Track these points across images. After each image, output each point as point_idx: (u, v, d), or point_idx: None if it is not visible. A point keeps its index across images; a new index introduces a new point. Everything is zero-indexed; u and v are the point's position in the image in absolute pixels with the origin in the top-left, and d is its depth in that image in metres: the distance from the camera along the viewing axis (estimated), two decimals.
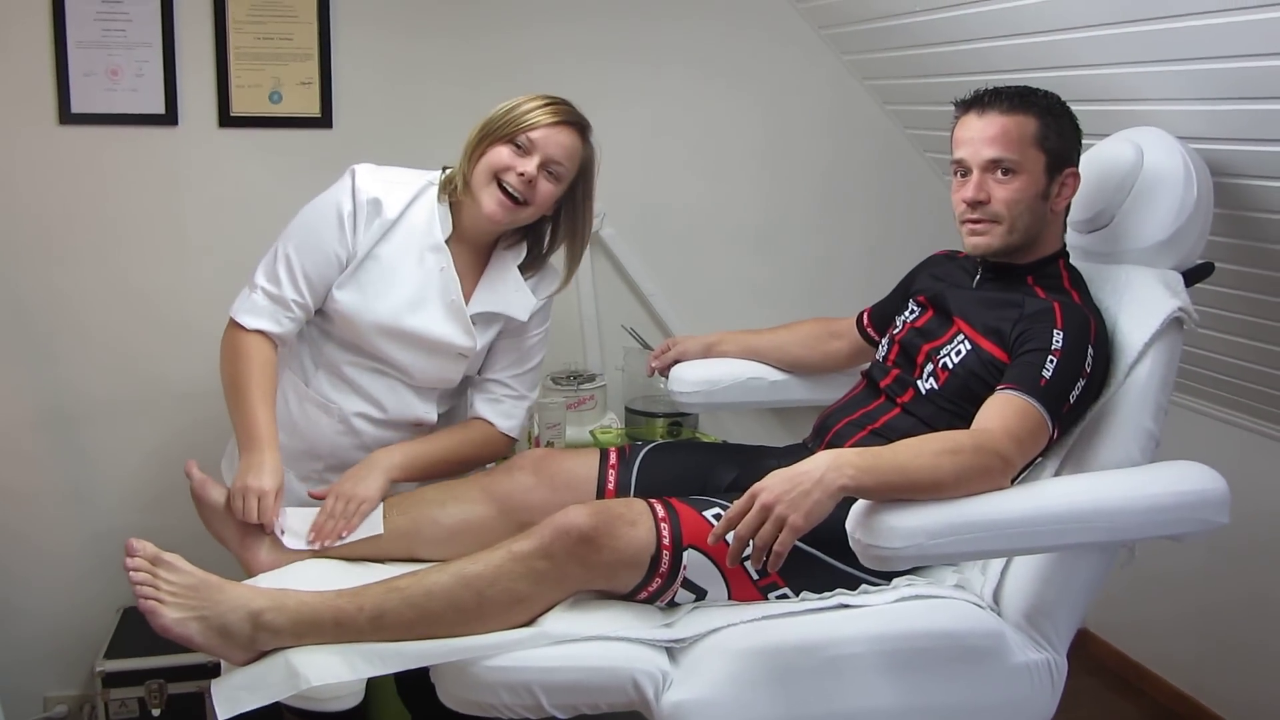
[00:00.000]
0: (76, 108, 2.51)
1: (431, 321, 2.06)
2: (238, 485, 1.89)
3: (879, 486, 1.55)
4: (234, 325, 2.01)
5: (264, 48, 2.58)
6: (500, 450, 2.20)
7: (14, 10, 2.46)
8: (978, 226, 1.91)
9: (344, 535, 1.90)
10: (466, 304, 2.08)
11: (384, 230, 2.04)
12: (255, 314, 2.00)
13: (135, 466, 2.67)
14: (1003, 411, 1.72)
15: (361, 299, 2.03)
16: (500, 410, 2.17)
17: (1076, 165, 1.92)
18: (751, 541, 1.54)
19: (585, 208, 2.14)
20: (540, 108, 2.02)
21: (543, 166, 2.01)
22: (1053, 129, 1.88)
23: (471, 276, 2.11)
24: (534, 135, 2.00)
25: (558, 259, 2.21)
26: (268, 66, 2.59)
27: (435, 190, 2.09)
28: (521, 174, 1.99)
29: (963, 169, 1.92)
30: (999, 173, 1.87)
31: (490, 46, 2.68)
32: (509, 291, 2.13)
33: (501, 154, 2.00)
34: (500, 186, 2.00)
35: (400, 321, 2.04)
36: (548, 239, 2.18)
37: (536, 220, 2.11)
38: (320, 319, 2.09)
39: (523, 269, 2.15)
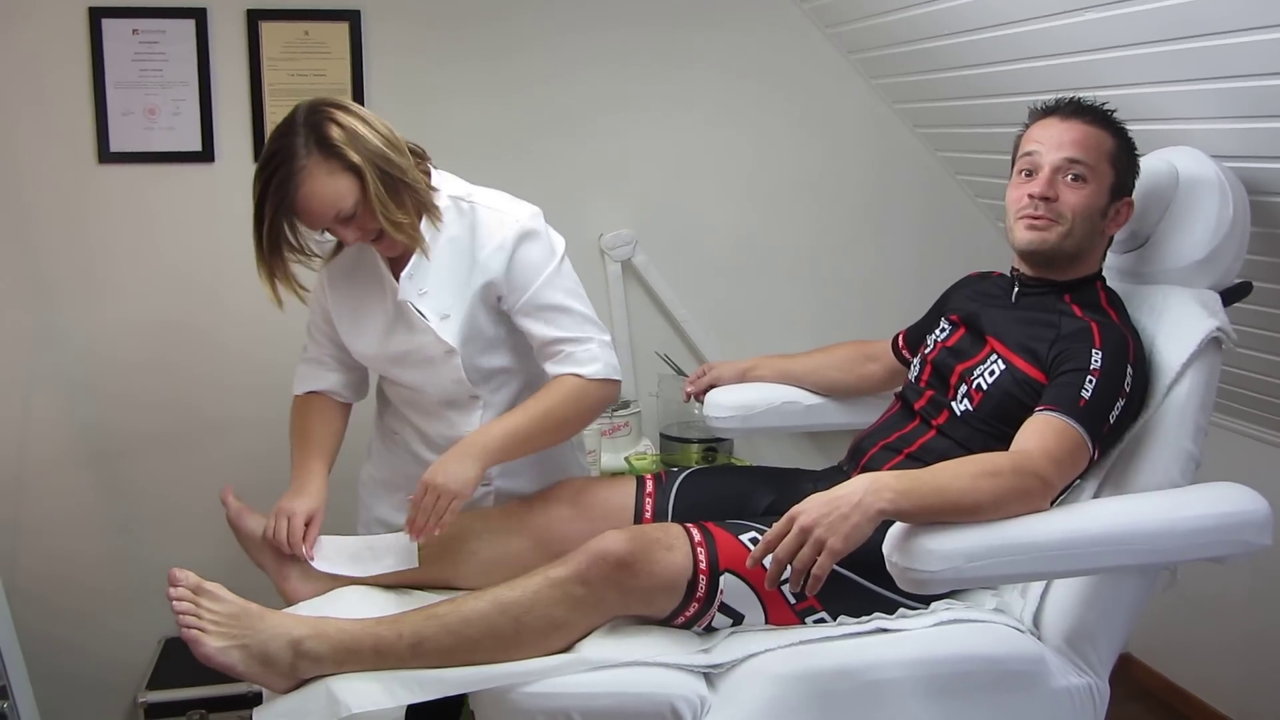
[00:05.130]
0: (115, 146, 2.56)
1: (402, 337, 2.02)
2: (276, 507, 1.93)
3: (917, 509, 1.54)
4: (294, 398, 2.15)
5: (298, 84, 2.62)
6: (603, 396, 2.02)
7: (53, 53, 2.51)
8: (1037, 221, 1.89)
9: (435, 532, 1.86)
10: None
11: (331, 277, 2.08)
12: (301, 380, 2.15)
13: (176, 498, 2.70)
14: (1042, 432, 1.71)
15: (353, 346, 2.09)
16: (573, 361, 1.99)
17: (1132, 196, 1.92)
18: (789, 565, 1.54)
19: (395, 181, 1.89)
20: (266, 197, 1.84)
21: (341, 224, 1.88)
22: (1124, 153, 1.89)
23: None
24: (301, 224, 1.89)
25: (496, 215, 2.00)
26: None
27: None
28: (343, 245, 2.01)
29: (1032, 166, 1.90)
30: (1070, 176, 1.86)
31: (519, 75, 2.72)
32: (422, 266, 1.99)
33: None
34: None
35: (384, 349, 2.05)
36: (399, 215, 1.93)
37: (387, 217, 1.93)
38: None
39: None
